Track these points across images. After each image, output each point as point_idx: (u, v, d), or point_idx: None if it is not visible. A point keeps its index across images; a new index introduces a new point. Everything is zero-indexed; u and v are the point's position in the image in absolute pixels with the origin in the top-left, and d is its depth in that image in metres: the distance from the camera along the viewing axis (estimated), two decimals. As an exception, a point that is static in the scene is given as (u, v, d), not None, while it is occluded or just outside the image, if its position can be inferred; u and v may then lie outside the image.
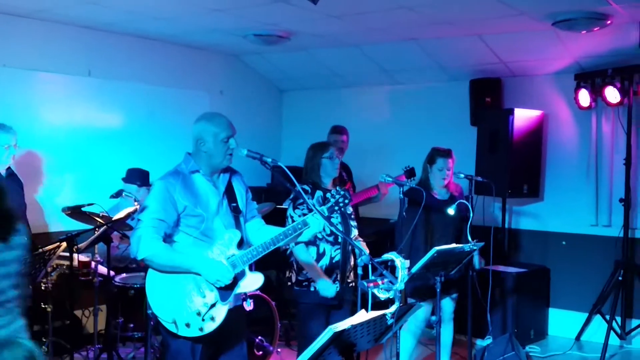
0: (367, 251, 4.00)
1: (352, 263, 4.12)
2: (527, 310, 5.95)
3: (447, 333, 4.75)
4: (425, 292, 4.40)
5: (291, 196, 4.08)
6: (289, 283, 4.11)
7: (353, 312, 4.01)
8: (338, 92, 7.51)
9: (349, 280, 4.09)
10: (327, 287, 3.92)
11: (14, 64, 5.41)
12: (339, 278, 4.01)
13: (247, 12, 5.22)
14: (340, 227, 4.02)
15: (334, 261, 4.01)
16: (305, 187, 4.00)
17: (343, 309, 4.02)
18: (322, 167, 4.08)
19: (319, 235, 3.93)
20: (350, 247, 4.08)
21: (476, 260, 4.63)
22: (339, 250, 4.01)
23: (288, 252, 4.11)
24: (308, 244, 3.96)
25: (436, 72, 6.62)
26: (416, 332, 4.66)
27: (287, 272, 4.14)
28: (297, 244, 3.89)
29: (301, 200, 3.97)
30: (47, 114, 5.68)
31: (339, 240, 4.01)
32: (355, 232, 4.15)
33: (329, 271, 4.00)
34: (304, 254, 3.98)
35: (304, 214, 3.89)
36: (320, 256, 4.00)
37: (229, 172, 3.29)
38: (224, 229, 3.16)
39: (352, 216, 4.18)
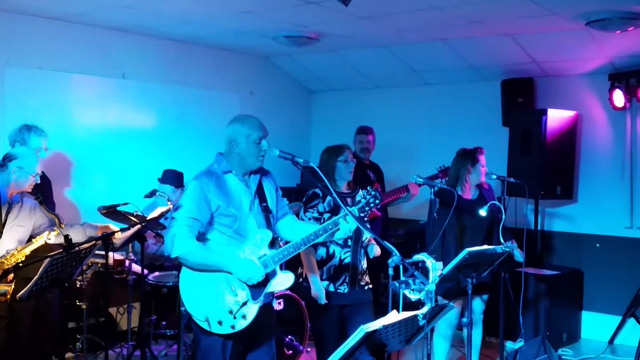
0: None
1: (364, 266, 4.12)
2: (560, 313, 5.87)
3: (476, 334, 4.71)
4: (455, 293, 4.38)
5: (304, 199, 4.09)
6: (300, 279, 4.12)
7: (370, 312, 4.03)
8: (367, 93, 7.51)
9: (362, 283, 4.08)
10: (319, 289, 3.93)
11: (50, 66, 5.52)
12: (347, 280, 4.01)
13: (277, 14, 5.26)
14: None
15: (343, 263, 4.01)
16: (317, 190, 4.00)
17: (359, 309, 4.01)
18: (336, 170, 4.08)
19: None
20: (362, 250, 4.08)
21: (517, 253, 4.65)
22: (348, 253, 4.01)
23: None
24: (318, 245, 3.97)
25: (467, 72, 6.58)
26: (448, 334, 4.63)
27: (300, 269, 4.15)
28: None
29: (313, 203, 4.00)
30: (82, 116, 5.79)
31: (349, 243, 4.01)
32: (367, 235, 4.12)
33: (338, 272, 4.00)
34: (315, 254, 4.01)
35: (314, 217, 3.92)
36: (329, 257, 4.02)
37: (260, 172, 3.33)
38: (256, 228, 3.20)
39: (366, 219, 4.16)
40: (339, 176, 4.10)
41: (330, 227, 3.16)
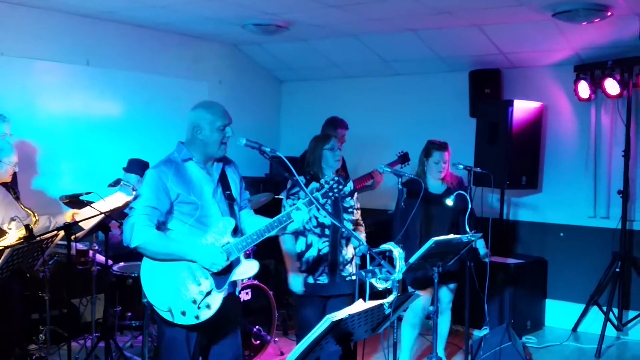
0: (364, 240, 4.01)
1: (347, 256, 4.06)
2: (525, 301, 5.96)
3: (443, 323, 4.76)
4: (424, 283, 4.40)
5: (288, 186, 4.07)
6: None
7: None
8: (337, 83, 7.49)
9: (344, 274, 4.04)
10: (296, 284, 3.96)
11: (12, 52, 5.39)
12: (326, 271, 3.99)
13: (246, 1, 5.19)
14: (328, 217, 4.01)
15: (321, 253, 3.99)
16: (301, 178, 3.98)
17: (341, 301, 3.96)
18: (323, 158, 4.06)
19: (307, 227, 3.94)
20: (343, 240, 4.07)
21: (481, 246, 4.66)
22: (327, 243, 4.00)
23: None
24: (297, 235, 3.97)
25: (435, 62, 6.60)
26: (416, 323, 4.67)
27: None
28: (284, 234, 3.91)
29: (294, 190, 3.97)
30: (45, 103, 5.66)
31: (327, 232, 3.99)
32: (350, 225, 4.10)
33: (317, 263, 3.98)
34: (290, 244, 4.01)
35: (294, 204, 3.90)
36: (308, 247, 4.00)
37: (223, 160, 3.28)
38: (219, 216, 3.16)
39: (350, 210, 4.14)
40: (325, 164, 4.06)
41: (284, 219, 3.13)
